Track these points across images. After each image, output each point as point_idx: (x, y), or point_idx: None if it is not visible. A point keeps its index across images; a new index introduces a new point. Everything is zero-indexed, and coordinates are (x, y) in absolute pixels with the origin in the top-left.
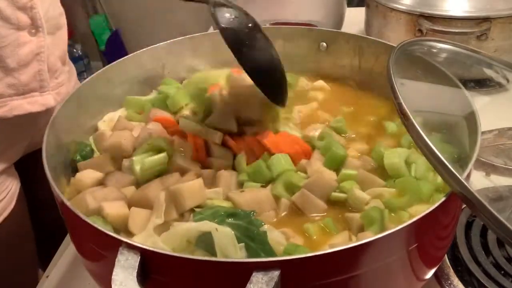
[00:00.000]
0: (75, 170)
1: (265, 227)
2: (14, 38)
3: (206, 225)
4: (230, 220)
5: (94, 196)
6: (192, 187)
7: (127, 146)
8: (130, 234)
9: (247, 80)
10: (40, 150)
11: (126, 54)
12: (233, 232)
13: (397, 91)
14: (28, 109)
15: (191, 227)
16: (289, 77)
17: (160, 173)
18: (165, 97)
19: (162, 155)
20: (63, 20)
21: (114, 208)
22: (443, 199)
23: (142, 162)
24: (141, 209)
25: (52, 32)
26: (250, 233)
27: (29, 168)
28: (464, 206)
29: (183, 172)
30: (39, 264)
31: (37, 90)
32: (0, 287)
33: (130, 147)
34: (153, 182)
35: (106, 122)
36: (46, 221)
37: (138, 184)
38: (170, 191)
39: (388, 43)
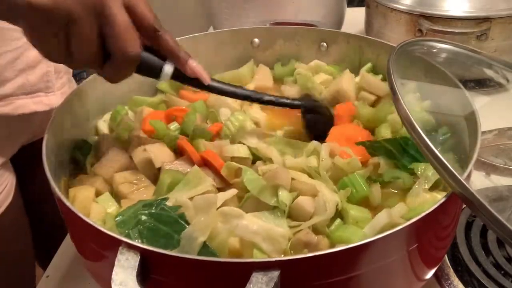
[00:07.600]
0: (74, 168)
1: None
2: (26, 40)
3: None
4: (144, 210)
5: None
6: None
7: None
8: None
9: None
10: (36, 143)
11: None
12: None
13: (397, 91)
14: (33, 108)
15: None
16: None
17: None
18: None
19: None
20: None
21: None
22: (443, 199)
23: None
24: None
25: None
26: (163, 218)
27: (23, 162)
28: (464, 206)
29: None
30: (39, 263)
31: (43, 91)
32: None
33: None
34: None
35: (106, 122)
36: (41, 215)
37: None
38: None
39: (388, 43)
